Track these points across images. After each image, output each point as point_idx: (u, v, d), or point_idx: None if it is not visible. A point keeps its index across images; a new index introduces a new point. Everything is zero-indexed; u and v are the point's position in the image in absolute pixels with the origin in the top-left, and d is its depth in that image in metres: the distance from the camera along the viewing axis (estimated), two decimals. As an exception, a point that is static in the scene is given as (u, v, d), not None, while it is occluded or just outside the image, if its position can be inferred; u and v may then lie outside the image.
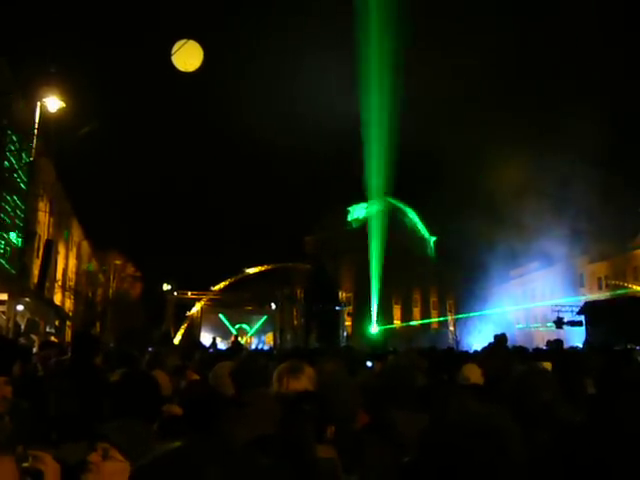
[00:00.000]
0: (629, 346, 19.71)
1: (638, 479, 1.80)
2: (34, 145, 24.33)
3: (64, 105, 22.24)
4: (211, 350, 18.71)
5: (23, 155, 25.67)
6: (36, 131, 23.17)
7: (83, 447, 2.60)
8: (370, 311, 68.52)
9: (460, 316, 64.79)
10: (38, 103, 22.79)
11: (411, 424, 3.14)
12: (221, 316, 69.39)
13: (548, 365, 5.80)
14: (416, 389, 4.05)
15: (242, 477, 1.10)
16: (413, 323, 74.26)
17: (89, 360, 5.43)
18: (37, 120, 22.91)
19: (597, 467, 1.90)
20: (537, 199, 56.38)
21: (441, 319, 72.69)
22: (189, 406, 4.21)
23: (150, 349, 9.45)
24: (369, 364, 8.76)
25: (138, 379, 3.63)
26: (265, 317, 70.67)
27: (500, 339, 10.90)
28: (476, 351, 18.33)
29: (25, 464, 2.16)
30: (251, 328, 71.03)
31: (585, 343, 23.41)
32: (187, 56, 12.69)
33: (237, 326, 69.09)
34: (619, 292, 54.52)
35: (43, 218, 35.88)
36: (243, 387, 4.15)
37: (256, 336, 69.81)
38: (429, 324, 72.24)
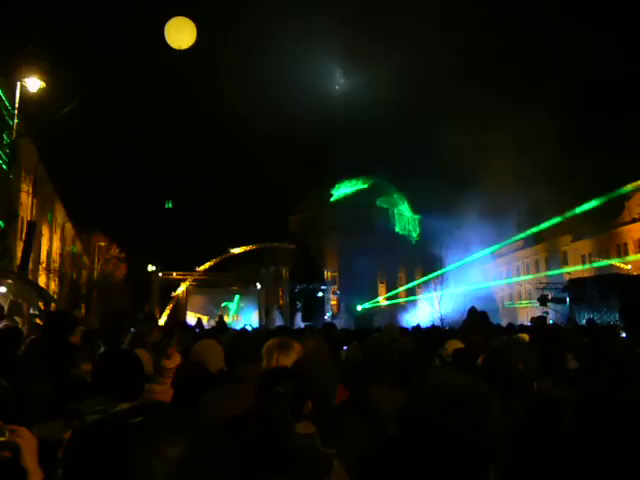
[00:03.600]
0: (612, 322, 19.90)
1: (620, 451, 1.79)
2: (14, 125, 24.11)
3: (44, 85, 21.99)
4: (197, 330, 18.70)
5: (4, 136, 25.42)
6: (16, 111, 22.96)
7: (60, 425, 2.59)
8: (355, 289, 68.65)
9: (434, 274, 64.62)
10: (18, 83, 22.54)
11: (390, 399, 3.15)
12: (237, 296, 69.78)
13: (525, 337, 5.80)
14: (396, 365, 4.06)
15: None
16: (397, 294, 74.40)
17: (63, 339, 5.38)
18: (17, 100, 22.69)
19: (579, 438, 1.90)
20: (521, 178, 56.54)
21: (417, 282, 72.48)
22: (181, 383, 4.21)
23: (132, 329, 9.42)
24: (345, 348, 8.71)
25: (118, 357, 3.61)
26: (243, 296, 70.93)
27: (473, 312, 10.97)
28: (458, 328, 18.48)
29: (2, 438, 2.16)
30: (236, 305, 71.20)
31: (569, 320, 23.63)
32: (180, 33, 12.51)
33: (223, 304, 69.18)
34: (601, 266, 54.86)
35: (25, 199, 35.61)
36: (236, 363, 4.16)
37: (242, 314, 69.87)
38: (414, 302, 72.44)
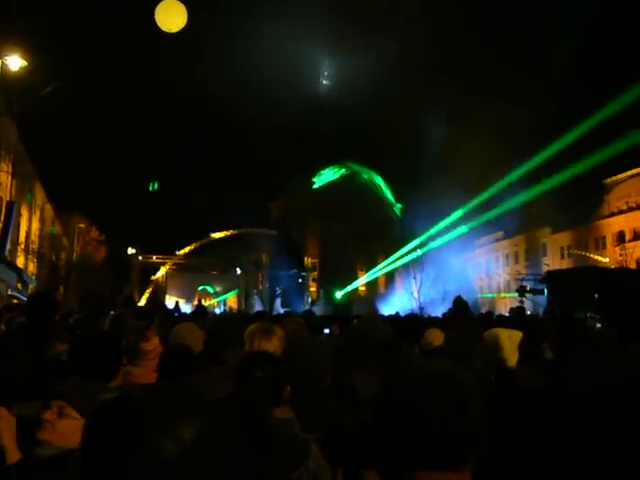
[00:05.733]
0: (588, 314, 20.08)
1: (584, 436, 1.82)
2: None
3: (26, 64, 21.76)
4: (175, 314, 18.65)
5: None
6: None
7: (38, 405, 2.58)
8: (335, 277, 68.75)
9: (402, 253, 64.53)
10: (-1, 61, 22.28)
11: (371, 385, 3.16)
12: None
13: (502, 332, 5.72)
14: (378, 351, 4.08)
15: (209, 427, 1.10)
16: (377, 272, 74.22)
17: (46, 320, 5.37)
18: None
19: (549, 425, 1.92)
20: (502, 169, 56.84)
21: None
22: (168, 364, 4.21)
23: (112, 312, 9.40)
24: (326, 331, 8.80)
25: (95, 338, 3.60)
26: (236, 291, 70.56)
27: (461, 303, 11.02)
28: (437, 317, 18.56)
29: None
30: (214, 290, 71.21)
31: (546, 311, 23.80)
32: (171, 16, 12.40)
33: (200, 288, 69.13)
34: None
35: (5, 179, 35.28)
36: (220, 346, 4.15)
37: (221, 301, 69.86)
38: (393, 290, 72.62)
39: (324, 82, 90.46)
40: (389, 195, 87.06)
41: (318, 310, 39.42)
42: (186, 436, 1.03)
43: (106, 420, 1.07)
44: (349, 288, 71.53)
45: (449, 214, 61.91)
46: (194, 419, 1.06)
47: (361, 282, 75.07)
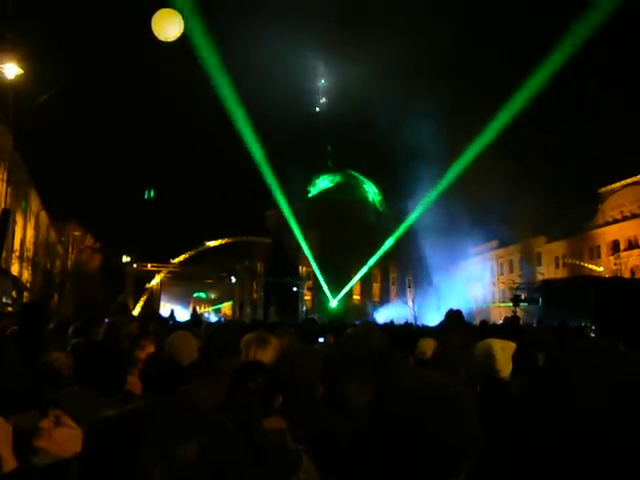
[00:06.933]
0: (582, 324, 20.11)
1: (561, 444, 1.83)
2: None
3: (22, 72, 21.72)
4: (171, 322, 18.60)
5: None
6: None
7: (34, 415, 2.58)
8: (330, 285, 68.60)
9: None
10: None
11: (364, 395, 3.18)
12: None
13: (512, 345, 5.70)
14: (371, 361, 4.09)
15: (208, 435, 1.09)
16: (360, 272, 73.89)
17: (39, 329, 5.37)
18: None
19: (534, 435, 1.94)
20: (497, 179, 56.88)
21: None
22: (153, 376, 4.19)
23: (107, 320, 9.38)
24: (321, 340, 8.78)
25: (99, 348, 3.61)
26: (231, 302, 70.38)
27: (453, 315, 10.99)
28: (432, 327, 18.58)
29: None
30: (209, 298, 71.10)
31: (540, 320, 23.82)
32: (167, 25, 12.40)
33: (195, 295, 68.99)
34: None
35: (0, 187, 35.24)
36: (216, 355, 4.16)
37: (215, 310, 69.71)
38: (389, 299, 72.53)
39: (321, 91, 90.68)
40: (383, 203, 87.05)
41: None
42: (183, 457, 1.02)
43: (103, 439, 1.07)
44: (342, 293, 71.29)
45: (445, 225, 61.77)
46: (193, 439, 1.04)
47: (353, 282, 74.68)
